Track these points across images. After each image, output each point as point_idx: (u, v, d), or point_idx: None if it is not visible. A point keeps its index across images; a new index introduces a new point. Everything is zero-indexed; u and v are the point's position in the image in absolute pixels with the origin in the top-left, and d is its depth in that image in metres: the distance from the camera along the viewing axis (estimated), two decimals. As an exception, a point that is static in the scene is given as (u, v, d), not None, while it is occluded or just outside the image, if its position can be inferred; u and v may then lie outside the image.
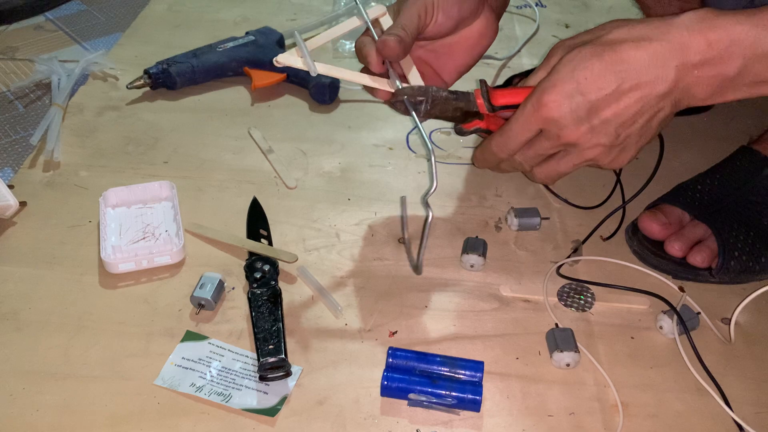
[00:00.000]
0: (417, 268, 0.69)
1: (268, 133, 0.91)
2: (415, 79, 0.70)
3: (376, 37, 0.68)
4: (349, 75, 0.69)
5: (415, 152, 0.89)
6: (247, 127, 0.92)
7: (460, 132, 0.67)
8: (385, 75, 0.69)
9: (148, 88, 0.97)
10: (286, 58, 0.67)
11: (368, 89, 0.70)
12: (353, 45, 1.07)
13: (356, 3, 0.70)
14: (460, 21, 0.70)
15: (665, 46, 0.54)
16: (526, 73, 0.94)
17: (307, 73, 0.95)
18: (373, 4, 0.73)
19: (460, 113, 0.64)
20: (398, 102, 0.64)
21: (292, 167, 0.86)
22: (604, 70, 0.55)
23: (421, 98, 0.63)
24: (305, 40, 0.68)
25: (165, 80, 0.96)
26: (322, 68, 0.67)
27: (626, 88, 0.55)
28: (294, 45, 0.69)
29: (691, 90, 0.56)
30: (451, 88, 0.67)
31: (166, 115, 0.94)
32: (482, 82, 0.64)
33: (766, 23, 0.52)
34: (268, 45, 1.02)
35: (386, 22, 0.71)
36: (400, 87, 0.66)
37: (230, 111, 0.95)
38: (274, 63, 0.67)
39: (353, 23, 0.72)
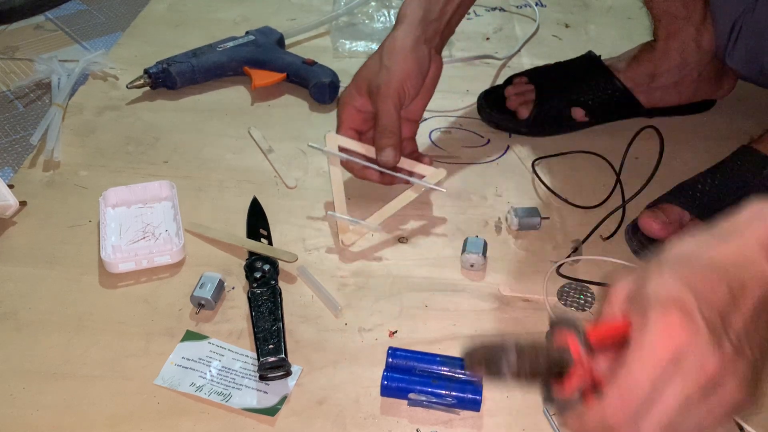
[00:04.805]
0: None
1: (268, 132, 0.91)
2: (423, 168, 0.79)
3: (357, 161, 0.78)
4: (396, 203, 0.78)
5: (415, 152, 0.89)
6: (247, 127, 0.92)
7: (555, 403, 0.45)
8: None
9: (148, 88, 0.97)
10: (351, 239, 0.75)
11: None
12: (353, 45, 1.08)
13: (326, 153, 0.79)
14: (424, 78, 0.78)
15: (746, 244, 0.46)
16: (526, 73, 0.94)
17: (307, 72, 0.97)
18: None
19: (547, 366, 0.44)
20: (474, 367, 0.43)
21: (292, 167, 0.86)
22: (706, 275, 0.45)
23: (500, 357, 0.43)
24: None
25: (165, 80, 0.96)
26: (375, 218, 0.77)
27: (737, 287, 0.45)
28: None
29: None
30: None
31: (166, 115, 0.94)
32: (571, 324, 0.44)
33: None
34: (267, 45, 1.02)
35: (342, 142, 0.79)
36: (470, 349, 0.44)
37: (230, 111, 0.95)
38: (342, 245, 0.74)
39: (409, 197, 0.78)
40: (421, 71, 0.77)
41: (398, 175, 0.78)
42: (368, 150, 0.79)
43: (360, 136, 0.80)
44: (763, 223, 0.47)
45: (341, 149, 0.79)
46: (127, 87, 0.95)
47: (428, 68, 0.78)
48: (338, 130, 0.80)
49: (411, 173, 0.79)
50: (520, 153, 0.89)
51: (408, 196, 0.78)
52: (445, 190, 0.79)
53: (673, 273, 0.45)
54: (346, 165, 0.80)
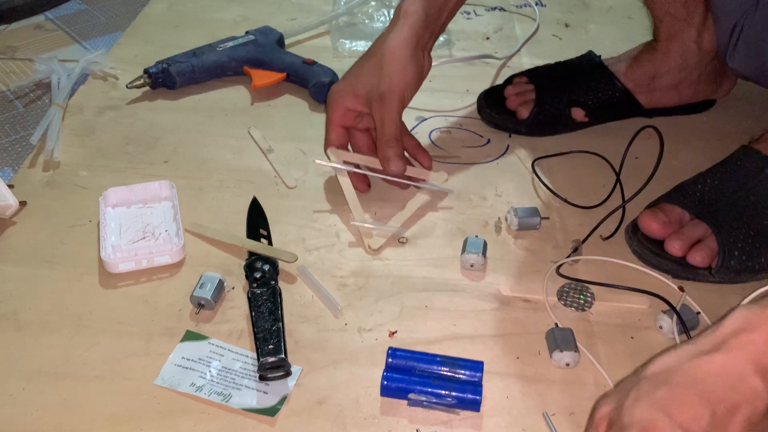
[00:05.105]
0: None
1: (268, 132, 0.91)
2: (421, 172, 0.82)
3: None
4: (411, 206, 0.79)
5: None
6: (247, 127, 0.92)
7: None
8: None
9: (147, 88, 0.97)
10: (378, 243, 0.75)
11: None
12: (353, 44, 1.08)
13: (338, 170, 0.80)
14: (421, 83, 0.80)
15: (733, 359, 0.45)
16: (526, 73, 0.94)
17: (307, 72, 0.97)
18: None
19: None
20: None
21: (292, 167, 0.86)
22: (687, 397, 0.44)
23: None
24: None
25: (165, 80, 0.96)
26: (395, 221, 0.78)
27: (724, 409, 0.44)
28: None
29: None
30: None
31: (166, 115, 0.94)
32: None
33: None
34: (267, 44, 1.02)
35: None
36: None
37: (230, 111, 0.95)
38: (369, 250, 0.75)
39: (422, 199, 0.81)
40: (420, 78, 0.79)
41: (405, 182, 0.80)
42: (369, 161, 0.81)
43: (347, 131, 0.82)
44: (750, 335, 0.45)
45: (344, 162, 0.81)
46: (127, 87, 0.95)
47: (424, 64, 0.80)
48: (327, 127, 0.82)
49: (411, 178, 0.81)
50: (520, 153, 0.89)
51: (420, 198, 0.80)
52: (453, 191, 0.81)
53: (649, 397, 0.44)
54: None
